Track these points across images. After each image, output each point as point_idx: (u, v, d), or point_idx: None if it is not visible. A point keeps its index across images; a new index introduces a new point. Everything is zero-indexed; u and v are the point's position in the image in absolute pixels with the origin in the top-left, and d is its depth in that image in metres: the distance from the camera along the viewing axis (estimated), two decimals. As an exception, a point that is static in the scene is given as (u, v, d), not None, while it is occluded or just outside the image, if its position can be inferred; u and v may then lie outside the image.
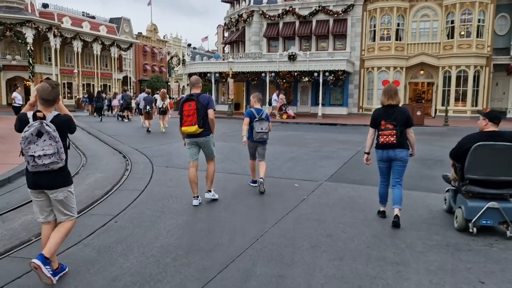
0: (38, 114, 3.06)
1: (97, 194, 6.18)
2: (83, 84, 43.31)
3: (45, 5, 42.27)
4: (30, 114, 3.09)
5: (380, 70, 26.78)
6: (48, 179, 3.11)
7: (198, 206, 5.65)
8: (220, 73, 28.07)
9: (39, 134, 2.97)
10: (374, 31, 26.96)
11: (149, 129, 15.55)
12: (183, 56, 34.94)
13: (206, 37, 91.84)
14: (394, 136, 4.76)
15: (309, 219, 5.16)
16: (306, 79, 25.89)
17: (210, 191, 5.88)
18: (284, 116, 24.72)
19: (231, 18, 32.66)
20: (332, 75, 25.11)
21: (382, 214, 5.24)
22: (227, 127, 17.46)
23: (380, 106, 5.21)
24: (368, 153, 5.25)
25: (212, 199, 5.90)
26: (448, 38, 25.79)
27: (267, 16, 29.39)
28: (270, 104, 25.69)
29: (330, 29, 28.10)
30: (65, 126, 3.17)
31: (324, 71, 25.11)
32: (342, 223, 5.04)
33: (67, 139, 3.28)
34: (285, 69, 25.91)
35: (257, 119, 6.48)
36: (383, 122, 4.82)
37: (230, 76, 26.37)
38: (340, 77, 25.47)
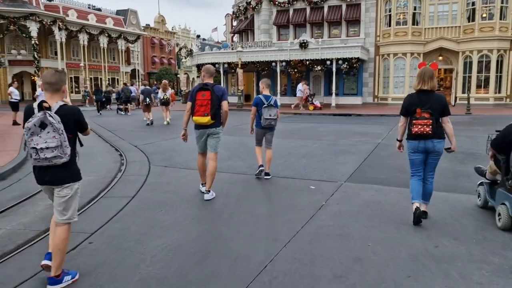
0: (44, 104, 2.84)
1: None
2: (90, 78, 42.70)
3: (50, -2, 41.64)
4: (35, 104, 2.91)
5: (396, 56, 25.39)
6: (53, 174, 2.94)
7: (192, 220, 4.73)
8: (229, 63, 27.01)
9: (43, 125, 2.77)
10: (390, 15, 25.53)
11: (149, 121, 15.32)
12: (191, 47, 33.84)
13: (216, 28, 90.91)
14: (430, 126, 4.29)
15: (330, 235, 4.18)
16: (319, 68, 24.67)
17: (209, 191, 5.45)
18: (311, 107, 23.48)
19: (239, 6, 31.47)
20: (346, 63, 23.85)
21: (417, 212, 4.43)
22: (236, 119, 16.45)
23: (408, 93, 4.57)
24: (400, 140, 4.77)
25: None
26: (469, 21, 24.25)
27: (276, 2, 28.12)
28: (295, 94, 24.52)
29: (343, 14, 26.76)
30: (70, 117, 2.96)
31: (337, 59, 23.88)
32: (372, 240, 4.05)
33: (77, 134, 3.12)
34: (296, 58, 24.73)
35: (265, 105, 6.44)
36: (418, 110, 4.33)
37: (239, 66, 25.32)
38: (354, 65, 24.20)
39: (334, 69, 24.09)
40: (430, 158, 4.53)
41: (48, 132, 2.79)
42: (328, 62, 24.16)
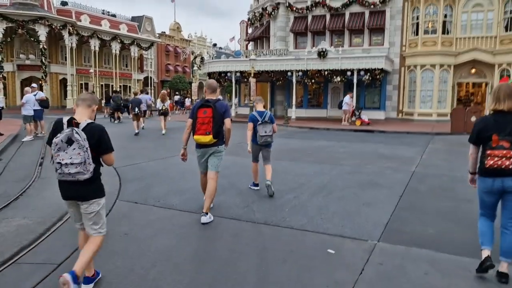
0: (73, 121, 2.96)
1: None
2: (101, 85, 41.63)
3: (63, 3, 40.89)
4: (65, 120, 2.98)
5: (424, 68, 23.18)
6: (78, 189, 3.00)
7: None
8: (241, 72, 25.25)
9: (69, 141, 2.87)
10: (417, 23, 23.42)
11: (136, 132, 15.14)
12: (203, 54, 32.42)
13: (234, 37, 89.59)
14: (511, 159, 3.33)
15: None
16: (338, 79, 22.64)
17: (206, 213, 4.94)
18: (358, 122, 20.61)
19: (254, 13, 29.80)
20: (368, 74, 21.81)
21: (487, 262, 3.47)
22: (243, 134, 14.64)
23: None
24: (473, 173, 3.80)
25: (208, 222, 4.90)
26: (507, 31, 21.94)
27: (294, 8, 26.32)
28: (340, 107, 21.97)
29: (365, 22, 24.75)
30: (95, 134, 3.00)
31: (359, 70, 21.85)
32: None
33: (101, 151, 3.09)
34: (314, 68, 22.78)
35: (260, 122, 6.33)
36: (494, 137, 3.40)
37: (252, 75, 23.52)
38: (377, 76, 22.11)
39: (355, 81, 22.06)
40: (509, 200, 3.48)
41: (74, 149, 2.87)
42: (349, 73, 22.14)
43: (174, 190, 6.62)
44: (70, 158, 2.85)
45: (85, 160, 2.88)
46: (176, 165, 8.68)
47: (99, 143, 3.02)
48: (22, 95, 38.35)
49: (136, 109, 15.67)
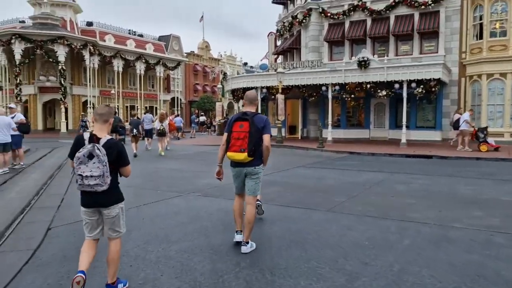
0: (95, 137, 3.22)
1: None
2: (126, 107, 39.66)
3: (89, 23, 39.73)
4: (86, 136, 3.23)
5: (491, 78, 18.95)
6: (100, 198, 3.22)
7: None
8: (268, 88, 22.00)
9: (90, 156, 3.09)
10: (481, 24, 19.36)
11: (134, 154, 14.52)
12: (226, 70, 29.66)
13: (266, 55, 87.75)
14: None
15: None
16: (383, 93, 18.82)
17: (247, 242, 4.43)
18: (483, 147, 15.34)
19: (283, 23, 26.68)
20: (421, 86, 17.88)
21: None
22: (273, 159, 11.20)
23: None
24: None
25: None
26: None
27: (328, 14, 22.92)
28: (456, 127, 16.67)
29: (415, 26, 20.93)
30: (114, 150, 3.23)
31: (409, 81, 17.97)
32: None
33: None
34: (354, 80, 19.09)
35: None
36: None
37: (280, 91, 20.15)
38: (433, 89, 18.13)
39: (404, 94, 18.14)
40: None
41: (94, 163, 3.09)
42: (397, 86, 18.27)
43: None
44: (90, 171, 3.09)
45: (103, 173, 3.12)
46: (167, 216, 5.33)
47: (117, 158, 3.26)
48: (45, 118, 37.11)
49: (135, 131, 15.48)
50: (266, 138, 4.40)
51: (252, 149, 4.28)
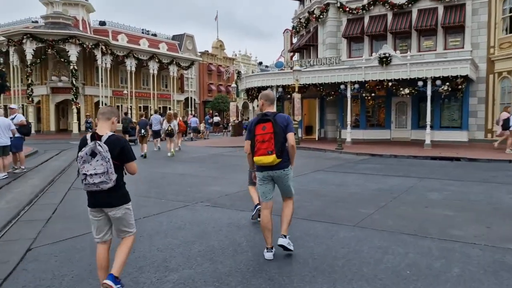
0: (96, 134, 3.18)
1: None
2: (139, 107, 39.23)
3: (102, 23, 39.46)
4: (88, 136, 3.20)
5: (522, 74, 17.76)
6: (106, 198, 3.17)
7: None
8: (283, 86, 21.12)
9: (93, 154, 3.05)
10: (511, 17, 18.11)
11: (143, 154, 14.44)
12: (243, 68, 28.93)
13: (281, 54, 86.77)
14: None
15: None
16: (406, 91, 17.73)
17: (285, 236, 4.24)
18: None
19: (300, 19, 25.74)
20: (447, 83, 16.75)
21: None
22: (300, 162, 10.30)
23: None
24: None
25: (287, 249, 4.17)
26: None
27: (347, 9, 21.90)
28: (507, 127, 14.47)
29: (439, 20, 19.77)
30: (116, 146, 3.17)
31: (434, 79, 16.85)
32: None
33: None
34: (374, 78, 18.09)
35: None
36: None
37: (296, 90, 19.24)
38: (459, 86, 16.98)
39: (429, 92, 17.03)
40: None
41: (97, 160, 3.04)
42: (420, 83, 17.17)
43: None
44: (94, 169, 3.04)
45: (107, 169, 3.05)
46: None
47: (120, 153, 3.20)
48: (58, 119, 36.82)
49: (143, 131, 15.31)
50: (290, 136, 4.23)
51: (279, 149, 4.08)
